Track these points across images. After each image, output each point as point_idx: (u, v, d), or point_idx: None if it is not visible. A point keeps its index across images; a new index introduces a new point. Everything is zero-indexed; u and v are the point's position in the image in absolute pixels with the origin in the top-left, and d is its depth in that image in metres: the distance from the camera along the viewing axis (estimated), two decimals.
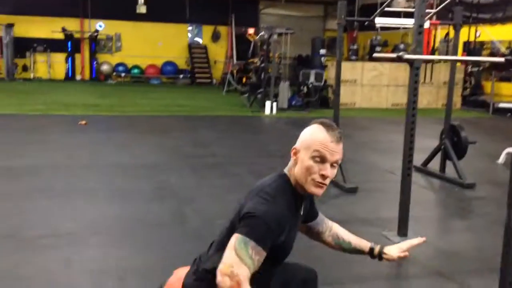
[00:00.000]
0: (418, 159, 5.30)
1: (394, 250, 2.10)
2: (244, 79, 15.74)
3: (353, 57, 13.84)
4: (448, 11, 8.85)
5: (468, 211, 4.92)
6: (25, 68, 17.91)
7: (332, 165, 1.85)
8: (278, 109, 11.32)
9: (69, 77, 18.14)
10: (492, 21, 13.59)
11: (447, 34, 13.20)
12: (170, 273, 2.48)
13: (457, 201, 5.20)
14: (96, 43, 18.56)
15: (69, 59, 18.14)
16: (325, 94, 12.92)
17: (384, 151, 7.61)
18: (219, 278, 1.65)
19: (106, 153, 6.70)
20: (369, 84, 13.05)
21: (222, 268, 1.67)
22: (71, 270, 3.23)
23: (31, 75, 17.86)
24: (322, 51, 14.53)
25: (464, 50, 13.21)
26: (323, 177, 1.81)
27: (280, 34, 12.93)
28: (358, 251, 2.17)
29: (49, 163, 5.97)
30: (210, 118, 10.56)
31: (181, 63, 19.32)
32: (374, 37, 13.53)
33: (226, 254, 1.70)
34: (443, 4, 6.10)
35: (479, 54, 13.34)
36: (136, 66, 18.75)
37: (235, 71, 16.55)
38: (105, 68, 18.49)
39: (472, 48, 13.09)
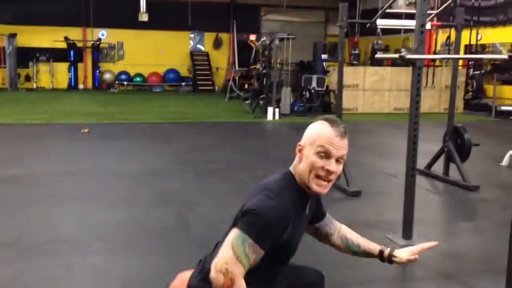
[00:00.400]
0: (421, 162, 5.29)
1: (404, 253, 2.07)
2: (246, 86, 15.76)
3: (355, 62, 13.84)
4: (449, 15, 8.85)
5: (473, 213, 4.89)
6: (28, 78, 17.98)
7: (337, 161, 1.83)
8: (280, 114, 11.32)
9: (72, 86, 18.19)
10: (494, 24, 13.58)
11: (448, 37, 13.20)
12: (173, 278, 2.48)
13: (461, 203, 5.17)
14: (98, 52, 18.63)
15: (72, 68, 18.21)
16: (327, 99, 12.92)
17: (387, 155, 7.59)
18: (213, 274, 1.64)
19: (109, 160, 6.70)
20: (371, 88, 13.03)
21: (217, 263, 1.66)
22: (74, 277, 3.21)
23: (34, 85, 17.92)
24: (324, 56, 14.53)
25: (465, 53, 13.19)
26: (328, 172, 1.80)
27: (281, 39, 12.96)
28: (367, 254, 2.14)
29: (52, 171, 5.97)
30: (212, 124, 10.56)
31: (184, 70, 19.37)
32: (375, 41, 13.54)
33: (223, 249, 1.69)
34: (444, 5, 6.10)
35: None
36: (138, 74, 18.81)
37: (237, 78, 16.58)
38: (107, 76, 18.55)
39: (473, 51, 13.06)
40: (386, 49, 15.51)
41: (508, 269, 2.98)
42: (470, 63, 13.51)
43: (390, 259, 2.09)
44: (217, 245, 2.00)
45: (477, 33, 12.95)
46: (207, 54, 19.73)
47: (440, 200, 5.46)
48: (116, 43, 19.09)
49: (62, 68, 18.28)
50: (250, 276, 1.85)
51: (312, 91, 12.18)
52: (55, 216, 4.36)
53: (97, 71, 18.50)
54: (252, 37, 15.06)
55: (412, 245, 2.14)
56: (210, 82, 19.13)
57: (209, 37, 19.96)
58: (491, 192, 5.50)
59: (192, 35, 19.95)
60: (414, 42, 3.86)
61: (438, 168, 6.05)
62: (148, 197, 4.99)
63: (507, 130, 10.41)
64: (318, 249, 3.72)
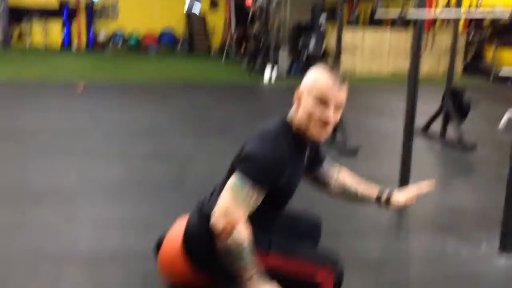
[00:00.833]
0: (419, 123, 5.28)
1: (401, 197, 2.07)
2: (243, 47, 15.56)
3: (353, 25, 13.67)
4: None
5: (469, 171, 4.92)
6: (20, 37, 17.68)
7: (335, 108, 1.81)
8: (277, 76, 11.23)
9: (66, 46, 17.92)
10: None
11: (449, 1, 13.01)
12: (170, 227, 2.49)
13: (458, 162, 5.20)
14: (92, 12, 18.28)
15: (66, 27, 17.88)
16: (325, 61, 12.82)
17: (385, 115, 7.58)
18: (214, 220, 1.65)
19: (105, 117, 6.67)
20: (370, 51, 12.92)
21: (217, 209, 1.67)
22: (73, 224, 3.23)
23: (27, 44, 17.64)
24: (322, 19, 14.32)
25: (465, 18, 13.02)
26: (326, 119, 1.78)
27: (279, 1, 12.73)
28: (365, 200, 2.15)
29: (49, 127, 5.94)
30: (209, 85, 10.48)
31: (179, 32, 19.08)
32: (375, 1, 13.33)
33: (223, 195, 1.69)
34: None
35: (481, 22, 13.18)
36: (133, 35, 18.51)
37: (234, 40, 16.35)
38: (102, 37, 18.25)
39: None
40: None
41: (503, 222, 3.03)
42: (470, 26, 13.36)
43: (387, 204, 2.10)
44: (215, 190, 2.00)
45: None
46: (203, 16, 19.41)
47: (437, 158, 5.49)
48: (111, 3, 18.71)
49: (55, 28, 17.94)
50: (248, 221, 1.85)
51: (310, 53, 12.06)
52: (54, 169, 4.36)
53: (91, 31, 18.20)
54: None
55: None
56: (207, 44, 18.87)
57: None
58: (488, 152, 5.52)
59: None
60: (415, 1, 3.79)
61: (436, 128, 6.05)
62: (145, 153, 4.99)
63: (506, 94, 10.40)
64: (314, 197, 3.75)
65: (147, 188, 3.98)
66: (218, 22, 19.65)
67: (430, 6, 13.35)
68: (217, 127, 6.30)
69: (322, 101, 1.78)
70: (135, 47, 18.55)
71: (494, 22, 12.90)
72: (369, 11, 15.19)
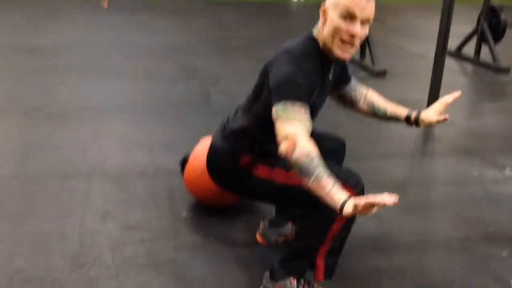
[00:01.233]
0: (452, 44, 5.09)
1: (431, 115, 2.03)
2: None
3: None
4: None
5: (501, 95, 4.79)
6: None
7: (362, 24, 1.74)
8: None
9: None
10: None
11: None
12: (194, 146, 2.53)
13: (489, 84, 5.06)
14: None
15: None
16: None
17: (416, 36, 7.31)
18: (280, 148, 1.61)
19: (130, 33, 6.62)
20: None
21: (278, 139, 1.64)
22: (101, 141, 3.31)
23: None
24: None
25: None
26: (352, 35, 1.72)
27: None
28: (393, 119, 2.11)
29: (73, 43, 5.94)
30: (234, 3, 10.19)
31: None
32: None
33: (275, 127, 1.65)
34: None
35: None
36: None
37: None
38: None
39: None
40: None
41: None
42: None
43: (417, 123, 2.06)
44: (238, 109, 1.99)
45: None
46: None
47: (468, 81, 5.34)
48: None
49: None
50: (272, 139, 1.86)
51: None
52: (80, 86, 4.41)
53: None
54: None
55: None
56: None
57: None
58: None
59: None
60: None
61: (469, 50, 5.84)
62: (171, 71, 4.98)
63: None
64: (338, 123, 3.76)
65: (171, 108, 4.02)
66: None
67: None
68: (243, 47, 6.20)
69: (349, 16, 1.71)
70: None
71: None
72: None
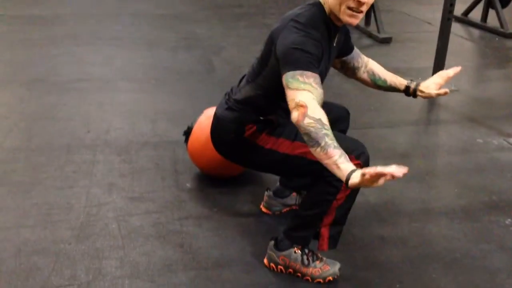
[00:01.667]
0: (458, 9, 5.00)
1: (431, 87, 2.01)
2: None
3: None
4: None
5: (507, 60, 4.72)
6: None
7: None
8: None
9: None
10: None
11: None
12: (200, 114, 2.52)
13: (496, 50, 4.98)
14: None
15: None
16: None
17: (422, 1, 7.17)
18: (291, 116, 1.60)
19: (131, 2, 6.52)
20: None
21: (289, 107, 1.62)
22: (104, 112, 3.30)
23: None
24: None
25: None
26: (359, 3, 1.68)
27: None
28: (393, 89, 2.10)
29: (74, 12, 5.87)
30: None
31: None
32: None
33: (286, 95, 1.63)
34: None
35: None
36: None
37: None
38: None
39: None
40: None
41: None
42: None
43: (415, 94, 2.04)
44: (243, 78, 1.97)
45: None
46: None
47: (474, 47, 5.26)
48: None
49: None
50: (278, 107, 1.84)
51: None
52: (82, 56, 4.38)
53: None
54: None
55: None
56: None
57: None
58: None
59: None
60: None
61: (476, 15, 5.74)
62: (173, 40, 4.93)
63: None
64: (343, 92, 3.73)
65: (174, 78, 3.99)
66: None
67: None
68: (246, 15, 6.11)
69: None
70: None
71: None
72: None
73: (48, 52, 4.46)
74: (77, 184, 2.47)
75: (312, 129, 1.53)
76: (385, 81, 2.10)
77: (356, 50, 2.12)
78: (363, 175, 1.40)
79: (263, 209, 2.31)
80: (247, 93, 1.89)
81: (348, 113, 2.18)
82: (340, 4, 1.69)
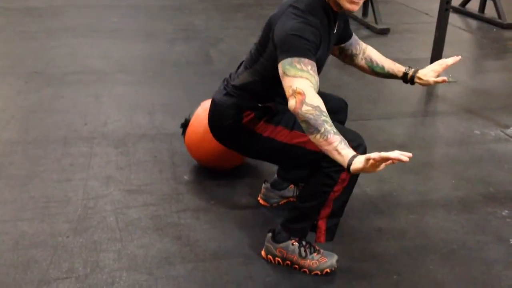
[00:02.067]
0: (456, 2, 4.99)
1: (429, 74, 1.99)
2: None
3: None
4: None
5: (504, 51, 4.71)
6: None
7: None
8: None
9: None
10: None
11: None
12: (197, 106, 2.52)
13: (493, 41, 4.97)
14: None
15: None
16: None
17: None
18: (288, 104, 1.59)
19: None
20: None
21: (286, 94, 1.61)
22: (102, 104, 3.29)
23: None
24: None
25: None
26: None
27: None
28: (391, 76, 2.08)
29: (72, 4, 5.84)
30: None
31: None
32: None
33: (283, 83, 1.62)
34: None
35: None
36: None
37: None
38: None
39: None
40: None
41: None
42: None
43: (413, 81, 2.03)
44: (241, 64, 1.96)
45: None
46: None
47: (472, 38, 5.25)
48: None
49: None
50: (276, 94, 1.83)
51: None
52: (79, 48, 4.36)
53: None
54: None
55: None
56: None
57: None
58: None
59: None
60: None
61: (473, 6, 5.72)
62: (170, 32, 4.91)
63: None
64: (341, 84, 3.73)
65: (171, 70, 3.97)
66: None
67: None
68: (244, 6, 6.08)
69: None
70: None
71: None
72: None
73: (45, 44, 4.44)
74: (75, 176, 2.46)
75: (311, 116, 1.52)
76: (382, 67, 2.08)
77: (354, 37, 2.10)
78: (368, 160, 1.39)
79: (261, 201, 2.31)
80: (245, 79, 1.88)
81: (346, 105, 2.18)
82: None
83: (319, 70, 1.79)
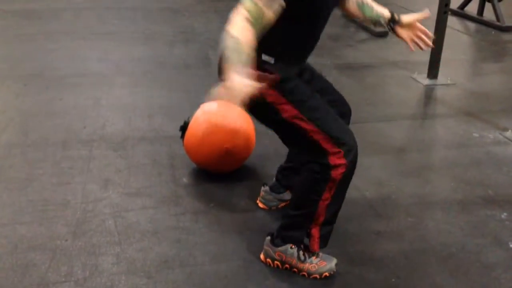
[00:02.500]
0: (455, 3, 5.00)
1: (410, 17, 1.96)
2: None
3: None
4: None
5: (503, 54, 4.72)
6: None
7: None
8: None
9: None
10: None
11: None
12: (196, 109, 2.52)
13: (492, 44, 4.98)
14: None
15: None
16: None
17: None
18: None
19: None
20: None
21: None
22: (101, 107, 3.29)
23: None
24: None
25: None
26: None
27: None
28: (378, 20, 2.01)
29: (70, 6, 5.84)
30: None
31: None
32: None
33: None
34: None
35: None
36: None
37: None
38: None
39: None
40: None
41: None
42: None
43: (397, 26, 1.98)
44: None
45: None
46: None
47: (470, 41, 5.26)
48: None
49: None
50: (284, 44, 1.76)
51: None
52: (78, 51, 4.36)
53: None
54: None
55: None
56: None
57: None
58: None
59: None
60: None
61: (472, 9, 5.73)
62: (170, 34, 4.91)
63: None
64: (340, 86, 3.71)
65: (172, 72, 3.98)
66: None
67: None
68: None
69: None
70: None
71: None
72: None
73: (44, 47, 4.44)
74: (73, 180, 2.46)
75: (229, 43, 1.53)
76: (371, 8, 2.00)
77: None
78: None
79: (260, 204, 2.31)
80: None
81: (350, 111, 2.13)
82: None
83: (320, 10, 1.74)
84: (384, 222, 2.23)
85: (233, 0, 5.47)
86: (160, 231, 2.11)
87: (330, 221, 1.85)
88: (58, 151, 2.73)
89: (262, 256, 1.95)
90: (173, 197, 2.35)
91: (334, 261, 1.90)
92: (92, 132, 2.95)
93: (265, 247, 1.93)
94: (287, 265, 1.90)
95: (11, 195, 2.33)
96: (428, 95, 3.69)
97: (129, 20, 5.40)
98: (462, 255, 2.02)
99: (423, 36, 1.97)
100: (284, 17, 1.63)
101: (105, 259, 1.93)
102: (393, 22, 1.99)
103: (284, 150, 2.16)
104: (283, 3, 1.60)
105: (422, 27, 1.97)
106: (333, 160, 1.72)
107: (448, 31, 3.91)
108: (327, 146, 1.72)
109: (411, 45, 1.99)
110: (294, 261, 1.88)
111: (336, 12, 2.02)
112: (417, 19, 1.98)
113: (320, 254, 1.91)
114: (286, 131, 1.82)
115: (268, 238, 1.93)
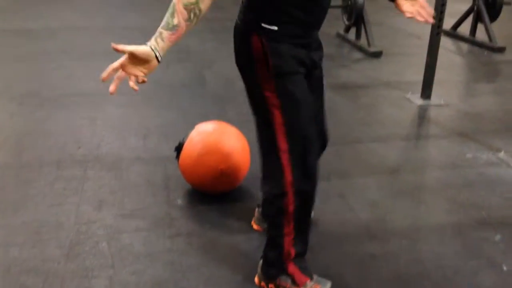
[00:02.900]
0: (447, 23, 5.06)
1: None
2: None
3: None
4: None
5: (496, 75, 4.77)
6: None
7: None
8: None
9: None
10: None
11: None
12: (192, 129, 2.52)
13: (485, 64, 5.04)
14: None
15: None
16: None
17: None
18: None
19: (124, 15, 6.55)
20: None
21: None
22: (96, 127, 3.29)
23: None
24: None
25: None
26: None
27: None
28: None
29: (67, 25, 5.88)
30: None
31: None
32: None
33: None
34: None
35: None
36: None
37: None
38: None
39: None
40: None
41: None
42: None
43: None
44: None
45: None
46: None
47: (463, 61, 5.32)
48: None
49: None
50: (279, 11, 1.72)
51: None
52: (74, 70, 4.37)
53: None
54: None
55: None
56: None
57: None
58: None
59: None
60: None
61: (464, 29, 5.80)
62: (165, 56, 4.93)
63: None
64: (334, 106, 3.75)
65: (167, 91, 3.99)
66: None
67: None
68: None
69: None
70: None
71: None
72: None
73: (40, 66, 4.45)
74: (67, 201, 2.45)
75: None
76: None
77: None
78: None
79: (254, 226, 2.30)
80: (244, 17, 1.83)
81: (325, 145, 2.07)
82: None
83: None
84: (379, 244, 2.23)
85: (228, 20, 5.50)
86: (154, 253, 2.10)
87: (302, 253, 1.87)
88: (52, 171, 2.72)
89: (256, 279, 1.94)
90: (167, 218, 2.35)
91: (329, 284, 1.89)
92: (87, 152, 2.95)
93: (259, 270, 1.93)
94: None
95: (4, 216, 2.32)
96: (422, 116, 3.72)
97: (125, 39, 5.39)
98: (457, 278, 2.02)
99: (423, 12, 1.92)
100: None
101: (98, 282, 1.92)
102: None
103: None
104: None
105: (424, 3, 1.88)
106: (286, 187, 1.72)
107: (441, 51, 3.95)
108: (287, 172, 1.71)
109: (409, 15, 1.85)
110: (288, 285, 1.87)
111: (330, 32, 2.05)
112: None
113: (315, 277, 1.90)
114: (260, 121, 1.78)
115: (261, 261, 1.93)
